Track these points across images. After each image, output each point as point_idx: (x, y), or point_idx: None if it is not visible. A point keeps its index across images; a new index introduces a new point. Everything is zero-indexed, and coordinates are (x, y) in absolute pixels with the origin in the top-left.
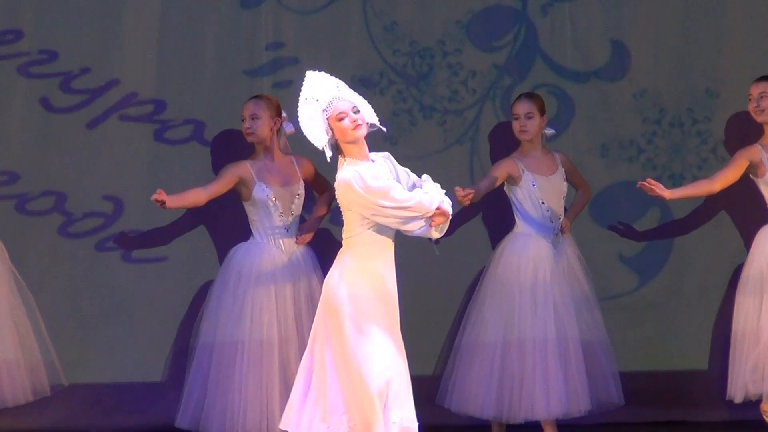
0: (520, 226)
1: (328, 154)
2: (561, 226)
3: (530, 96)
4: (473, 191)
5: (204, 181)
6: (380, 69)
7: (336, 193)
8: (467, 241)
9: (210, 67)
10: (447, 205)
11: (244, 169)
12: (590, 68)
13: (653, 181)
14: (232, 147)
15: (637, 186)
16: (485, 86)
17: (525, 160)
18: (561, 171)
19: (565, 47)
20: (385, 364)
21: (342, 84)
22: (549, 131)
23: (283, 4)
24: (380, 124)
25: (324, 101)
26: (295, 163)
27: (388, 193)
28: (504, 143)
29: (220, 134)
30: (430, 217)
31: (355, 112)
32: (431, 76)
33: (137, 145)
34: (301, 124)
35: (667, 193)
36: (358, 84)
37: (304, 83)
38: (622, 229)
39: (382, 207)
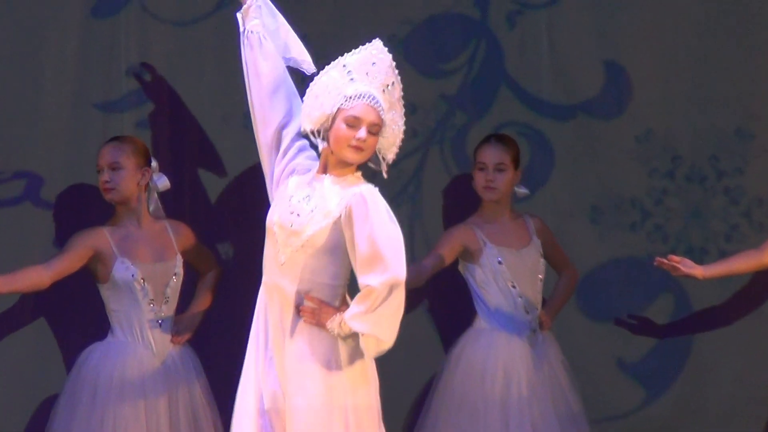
0: (483, 319)
1: (317, 145)
2: (539, 321)
3: (503, 140)
4: (414, 275)
5: (44, 256)
6: None
7: None
8: (411, 341)
9: (49, 100)
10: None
11: (101, 238)
12: (576, 100)
13: (677, 257)
14: (82, 209)
15: (655, 264)
16: (430, 126)
17: (487, 227)
18: (536, 242)
19: (540, 71)
20: None
21: (397, 82)
22: (522, 191)
23: (150, 12)
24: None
25: (354, 87)
26: (170, 231)
27: None
28: (457, 204)
29: (66, 192)
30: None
31: (372, 132)
32: None
33: None
34: (315, 82)
35: (700, 271)
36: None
37: (363, 47)
38: (635, 324)
39: None
